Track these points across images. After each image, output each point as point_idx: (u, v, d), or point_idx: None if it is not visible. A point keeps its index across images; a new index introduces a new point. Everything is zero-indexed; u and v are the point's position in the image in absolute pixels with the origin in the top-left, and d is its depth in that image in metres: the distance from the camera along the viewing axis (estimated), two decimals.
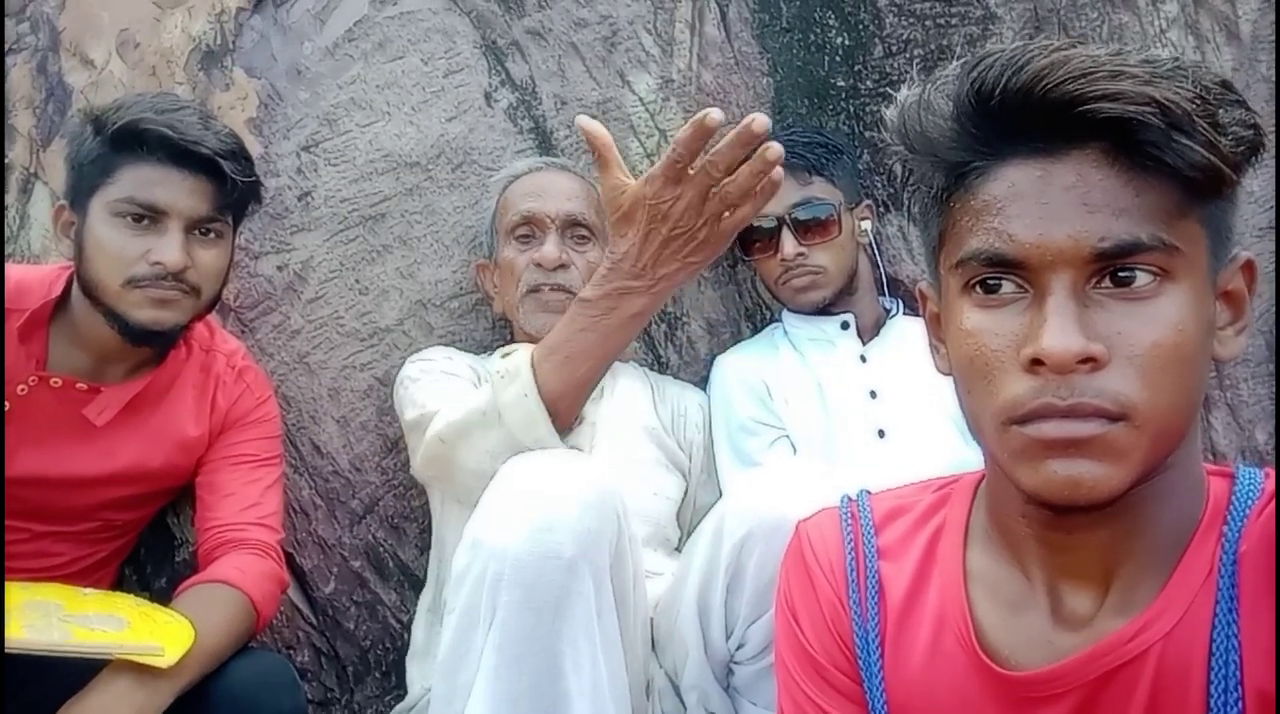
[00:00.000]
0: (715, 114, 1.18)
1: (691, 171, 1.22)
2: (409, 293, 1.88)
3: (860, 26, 1.96)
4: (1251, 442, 1.88)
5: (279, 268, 1.86)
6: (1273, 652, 0.72)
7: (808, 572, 0.94)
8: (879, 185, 1.95)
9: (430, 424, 1.49)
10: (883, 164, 1.92)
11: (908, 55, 1.95)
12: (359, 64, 1.90)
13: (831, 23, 1.97)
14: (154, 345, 1.53)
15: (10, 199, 1.89)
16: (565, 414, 1.36)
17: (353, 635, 1.85)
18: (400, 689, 1.76)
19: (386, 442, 1.84)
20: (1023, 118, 0.72)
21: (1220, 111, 0.70)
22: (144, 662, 1.25)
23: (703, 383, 1.90)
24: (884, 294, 1.92)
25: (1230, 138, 0.70)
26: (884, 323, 1.86)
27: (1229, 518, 0.78)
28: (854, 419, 1.75)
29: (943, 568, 0.88)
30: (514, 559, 1.13)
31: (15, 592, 1.35)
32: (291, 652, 1.84)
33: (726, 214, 1.24)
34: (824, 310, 1.81)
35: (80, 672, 1.25)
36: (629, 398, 1.74)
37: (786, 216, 1.75)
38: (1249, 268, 0.79)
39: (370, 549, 1.85)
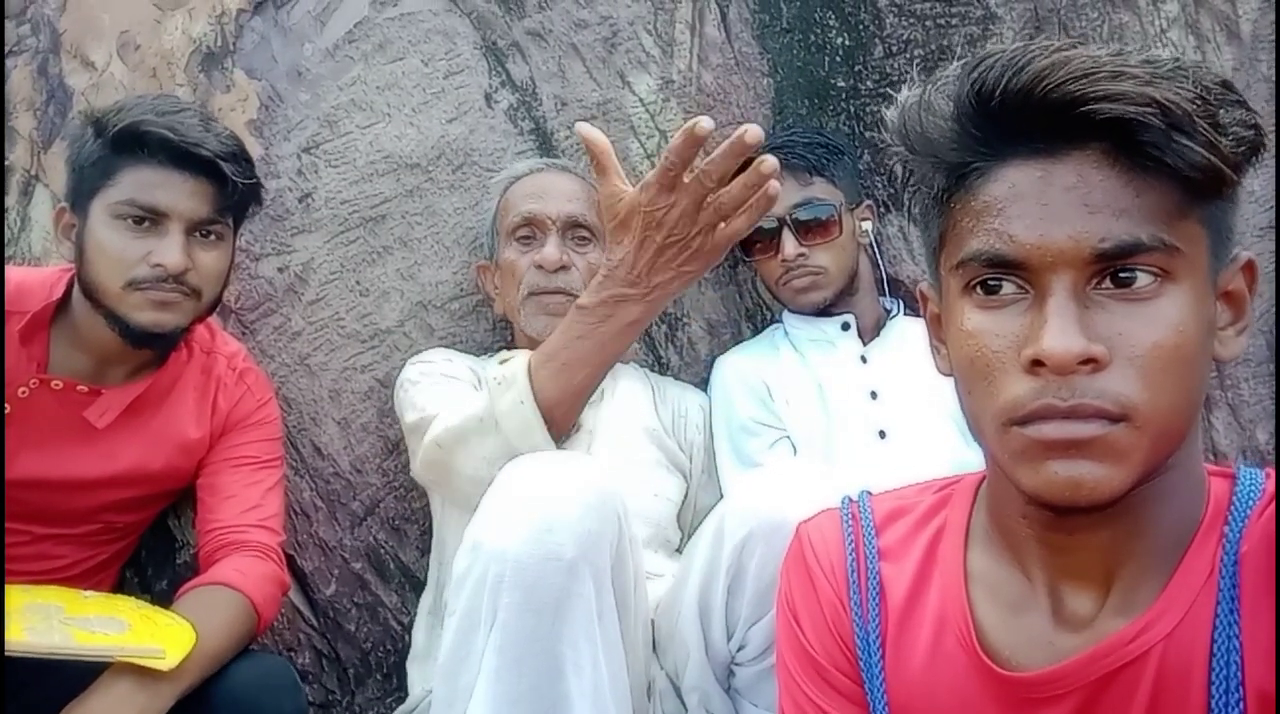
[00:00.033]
0: (705, 122, 1.18)
1: (686, 179, 1.22)
2: (410, 294, 1.88)
3: (860, 27, 1.96)
4: (1252, 442, 1.88)
5: (280, 269, 1.86)
6: (1273, 652, 0.72)
7: (809, 573, 0.94)
8: (879, 186, 1.95)
9: (429, 428, 1.49)
10: (883, 164, 1.92)
11: (908, 56, 1.95)
12: (359, 65, 1.90)
13: (832, 23, 1.97)
14: (155, 347, 1.53)
15: (11, 201, 1.89)
16: (562, 421, 1.36)
17: (354, 637, 1.85)
18: (401, 691, 1.76)
19: (387, 443, 1.84)
20: (1023, 118, 0.72)
21: (1221, 112, 0.70)
22: (145, 664, 1.25)
23: (703, 384, 1.90)
24: (884, 294, 1.92)
25: (1231, 138, 0.70)
26: (884, 323, 1.86)
27: (1230, 518, 0.78)
28: (854, 420, 1.75)
29: (943, 569, 0.88)
30: (514, 561, 1.13)
31: (16, 594, 1.35)
32: (292, 654, 1.84)
33: (722, 225, 1.24)
34: (824, 311, 1.81)
35: (81, 674, 1.25)
36: (629, 399, 1.74)
37: (787, 217, 1.75)
38: (1250, 268, 0.79)
39: (371, 551, 1.85)
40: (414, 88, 1.90)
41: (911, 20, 1.94)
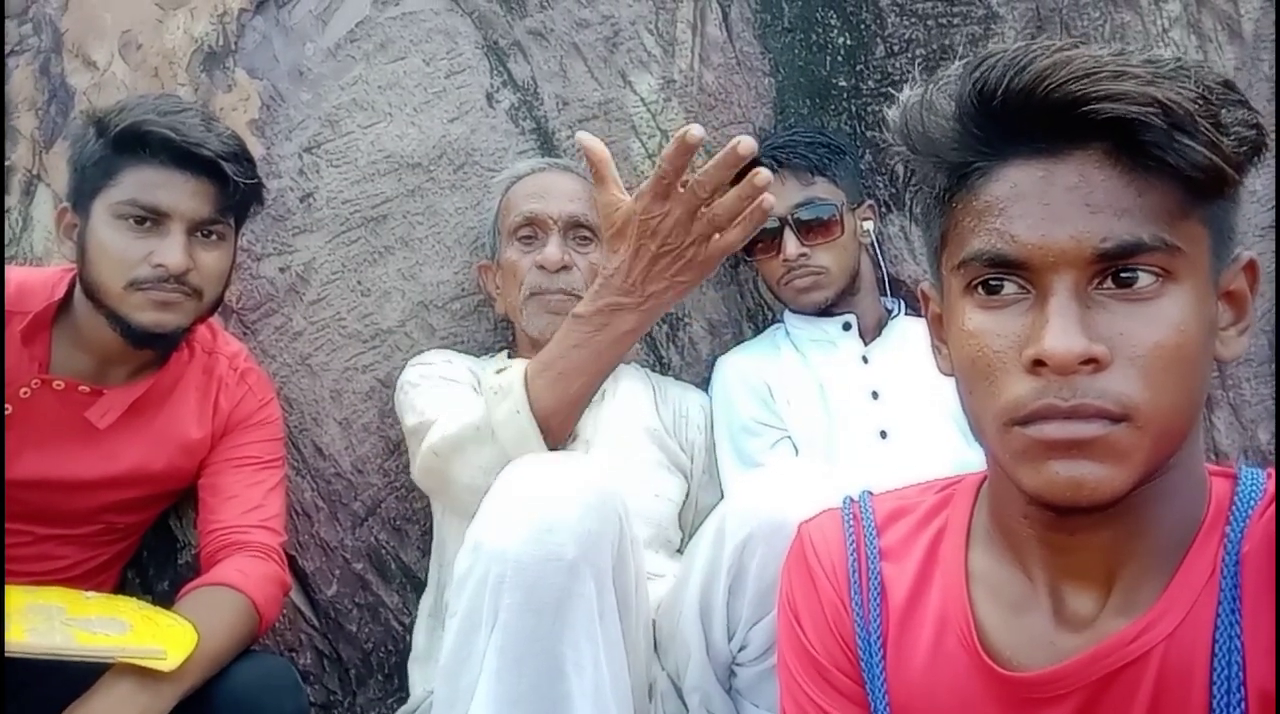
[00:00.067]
0: (695, 130, 1.19)
1: (681, 189, 1.22)
2: (411, 294, 1.88)
3: (862, 26, 1.96)
4: (1254, 442, 1.88)
5: (281, 269, 1.86)
6: (1275, 652, 0.72)
7: (810, 573, 0.94)
8: (881, 185, 1.95)
9: (427, 435, 1.49)
10: (885, 164, 1.92)
11: (910, 55, 1.95)
12: (361, 65, 1.90)
13: (833, 23, 1.97)
14: (156, 348, 1.53)
15: (13, 201, 1.89)
16: (558, 430, 1.37)
17: (355, 638, 1.85)
18: (402, 692, 1.76)
19: (389, 444, 1.84)
20: (1025, 118, 0.72)
21: (1223, 111, 0.70)
22: (146, 665, 1.25)
23: (704, 384, 1.90)
24: (886, 294, 1.92)
25: (1233, 138, 0.70)
26: (886, 323, 1.86)
27: (1231, 518, 0.77)
28: (856, 420, 1.75)
29: (945, 569, 0.88)
30: (515, 561, 1.13)
31: (17, 595, 1.35)
32: (294, 654, 1.84)
33: (717, 237, 1.24)
34: (826, 311, 1.81)
35: (83, 675, 1.25)
36: (630, 399, 1.74)
37: (789, 217, 1.75)
38: (1251, 268, 0.79)
39: (372, 551, 1.85)
40: (415, 87, 1.90)
41: (913, 20, 1.94)
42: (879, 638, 0.88)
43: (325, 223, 1.87)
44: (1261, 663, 0.73)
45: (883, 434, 1.73)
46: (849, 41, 1.96)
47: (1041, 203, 0.72)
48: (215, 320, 1.68)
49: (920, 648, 0.87)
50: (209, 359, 1.64)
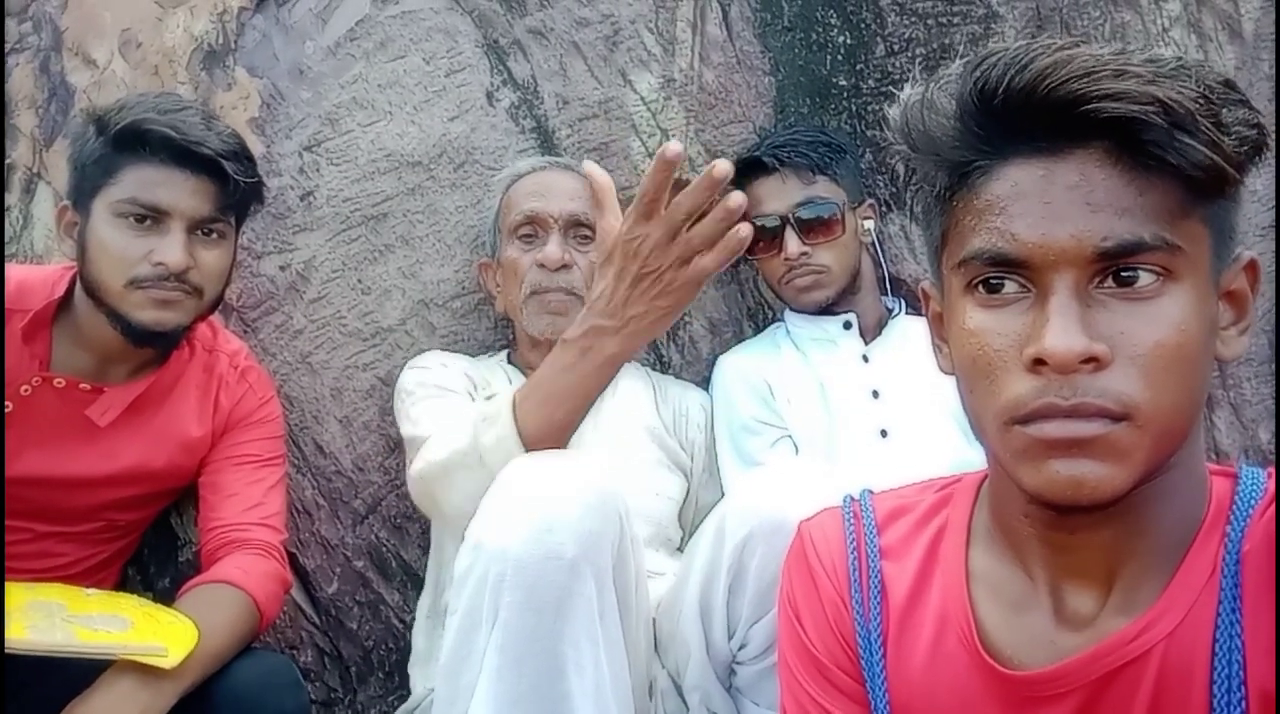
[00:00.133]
0: (673, 146, 1.18)
1: (664, 210, 1.22)
2: (411, 292, 1.88)
3: (862, 25, 1.96)
4: (1255, 441, 1.88)
5: (281, 268, 1.86)
6: (1275, 651, 0.72)
7: (810, 571, 0.94)
8: (881, 184, 1.95)
9: (417, 455, 1.49)
10: (885, 163, 1.92)
11: (910, 54, 1.95)
12: (361, 63, 1.90)
13: (833, 21, 1.97)
14: (157, 346, 1.53)
15: (13, 199, 1.89)
16: None
17: (356, 635, 1.85)
18: (403, 689, 1.76)
19: (389, 442, 1.84)
20: (1026, 117, 0.72)
21: (1223, 111, 0.70)
22: (147, 662, 1.25)
23: (705, 382, 1.90)
24: (886, 293, 1.92)
25: (1233, 137, 0.70)
26: (886, 322, 1.86)
27: (1232, 518, 0.77)
28: (856, 419, 1.75)
29: (945, 568, 0.88)
30: (515, 560, 1.13)
31: (18, 592, 1.35)
32: (295, 652, 1.84)
33: (698, 260, 1.23)
34: (826, 310, 1.81)
35: (84, 672, 1.25)
36: (630, 398, 1.74)
37: (790, 215, 1.75)
38: (1252, 267, 0.79)
39: (373, 549, 1.85)
40: (415, 86, 1.90)
41: (913, 19, 1.94)
42: (879, 636, 0.89)
43: (325, 221, 1.87)
44: (1262, 662, 0.73)
45: (883, 433, 1.74)
46: (849, 40, 1.96)
47: (1042, 202, 0.72)
48: (216, 318, 1.68)
49: (920, 647, 0.87)
50: (209, 357, 1.64)
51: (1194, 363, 0.72)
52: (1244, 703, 0.73)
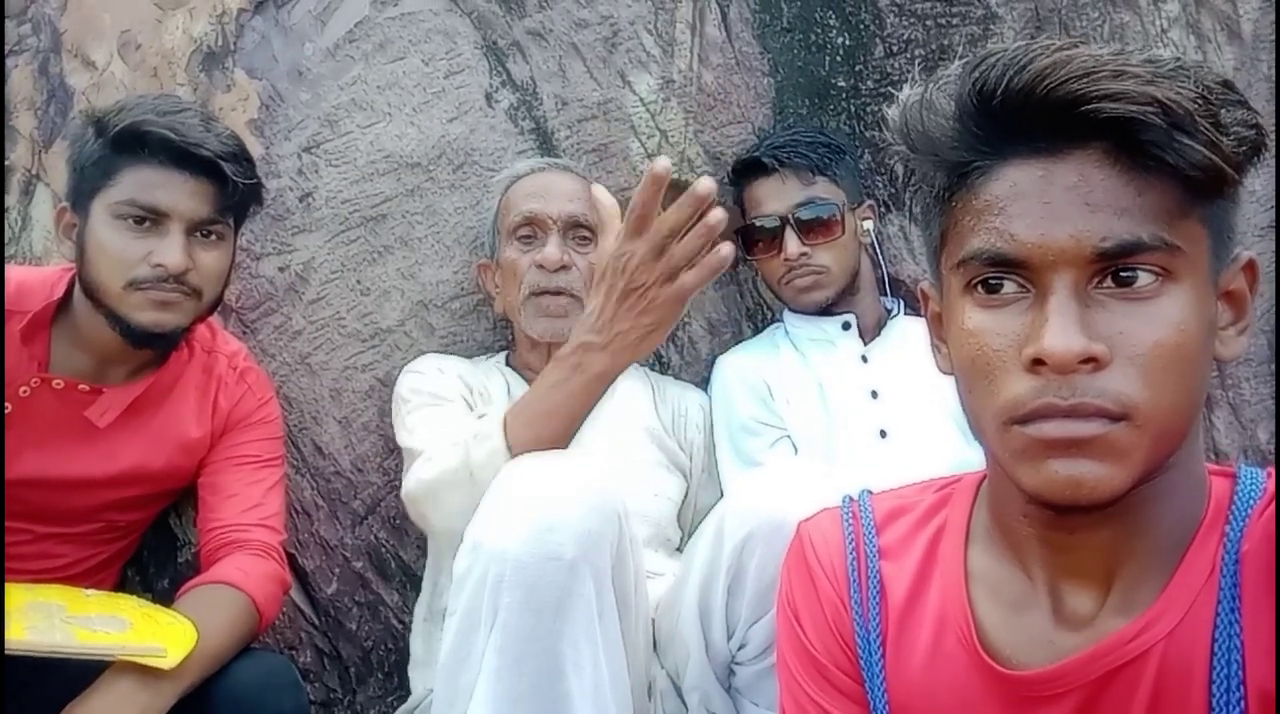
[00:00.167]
0: (661, 162, 1.20)
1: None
2: (410, 294, 1.88)
3: (861, 26, 1.96)
4: (1254, 441, 1.88)
5: (280, 269, 1.86)
6: (1274, 651, 0.72)
7: (809, 572, 0.94)
8: (880, 185, 1.95)
9: (409, 471, 1.50)
10: (884, 164, 1.92)
11: (909, 55, 1.95)
12: (360, 65, 1.90)
13: (832, 23, 1.97)
14: (156, 347, 1.53)
15: (12, 201, 1.89)
16: None
17: (355, 636, 1.85)
18: (402, 690, 1.76)
19: (388, 442, 1.84)
20: (1025, 117, 0.72)
21: (1222, 111, 0.70)
22: (146, 663, 1.25)
23: (704, 383, 1.90)
24: (885, 294, 1.92)
25: (1232, 138, 0.70)
26: (885, 323, 1.86)
27: (1231, 518, 0.78)
28: (855, 419, 1.75)
29: (944, 568, 0.88)
30: (515, 561, 1.13)
31: (18, 593, 1.35)
32: (294, 652, 1.84)
33: (682, 276, 1.23)
34: (826, 310, 1.81)
35: (83, 673, 1.25)
36: (629, 399, 1.74)
37: (790, 216, 1.75)
38: (1251, 267, 0.79)
39: (372, 550, 1.85)
40: (414, 87, 1.90)
41: (912, 20, 1.94)
42: (878, 637, 0.89)
43: (324, 222, 1.87)
44: (1261, 662, 0.73)
45: (882, 433, 1.74)
46: (848, 41, 1.97)
47: (1041, 202, 0.72)
48: (215, 320, 1.68)
49: (920, 647, 0.87)
50: (208, 358, 1.64)
51: (1193, 363, 0.72)
52: (1243, 703, 0.73)
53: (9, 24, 1.90)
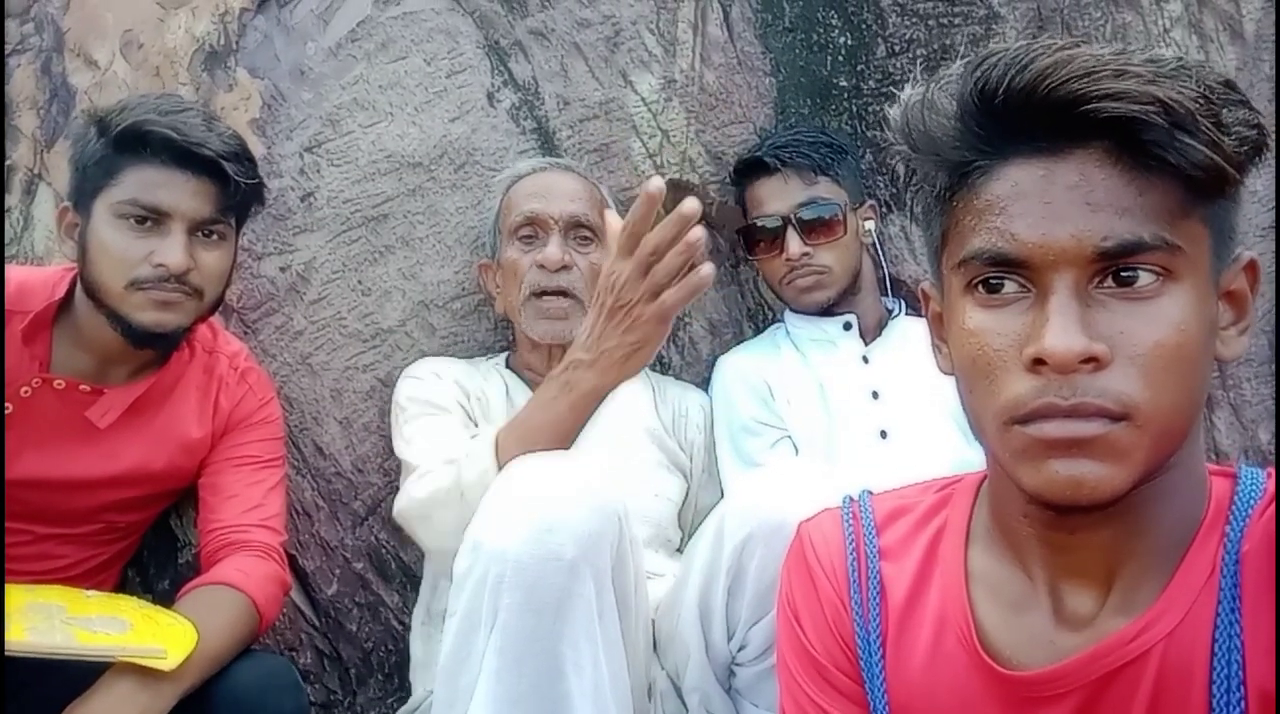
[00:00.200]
0: (654, 182, 1.21)
1: None
2: (411, 294, 1.87)
3: (863, 26, 1.96)
4: (1254, 441, 1.88)
5: (281, 269, 1.86)
6: (1274, 651, 0.72)
7: (809, 572, 0.94)
8: (881, 185, 1.95)
9: (401, 489, 1.51)
10: (885, 164, 1.92)
11: (910, 55, 1.95)
12: (362, 64, 1.90)
13: (834, 22, 1.97)
14: (157, 347, 1.53)
15: (14, 200, 1.89)
16: None
17: (355, 637, 1.85)
18: (402, 691, 1.77)
19: (389, 443, 1.83)
20: (1026, 117, 0.72)
21: (1224, 111, 0.70)
22: (146, 664, 1.25)
23: (704, 383, 1.90)
24: (886, 294, 1.92)
25: (1234, 137, 0.70)
26: (886, 323, 1.86)
27: (1231, 518, 0.77)
28: (856, 420, 1.75)
29: (944, 568, 0.88)
30: (515, 561, 1.13)
31: (18, 594, 1.35)
32: (294, 654, 1.84)
33: (665, 294, 1.24)
34: (827, 311, 1.81)
35: (83, 674, 1.25)
36: (630, 399, 1.74)
37: (792, 216, 1.75)
38: (1252, 267, 0.79)
39: (373, 551, 1.85)
40: (416, 87, 1.90)
41: (914, 19, 1.94)
42: (878, 637, 0.88)
43: (326, 222, 1.87)
44: (1261, 662, 0.73)
45: (883, 434, 1.74)
46: (850, 41, 1.96)
47: (1042, 201, 0.72)
48: (216, 320, 1.68)
49: (920, 647, 0.87)
50: (209, 358, 1.64)
51: (1193, 363, 0.72)
52: (1243, 703, 0.72)
53: (11, 23, 1.90)
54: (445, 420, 1.61)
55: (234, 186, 1.49)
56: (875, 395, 1.76)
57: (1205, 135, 0.69)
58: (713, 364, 1.90)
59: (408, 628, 1.78)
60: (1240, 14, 1.91)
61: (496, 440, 1.36)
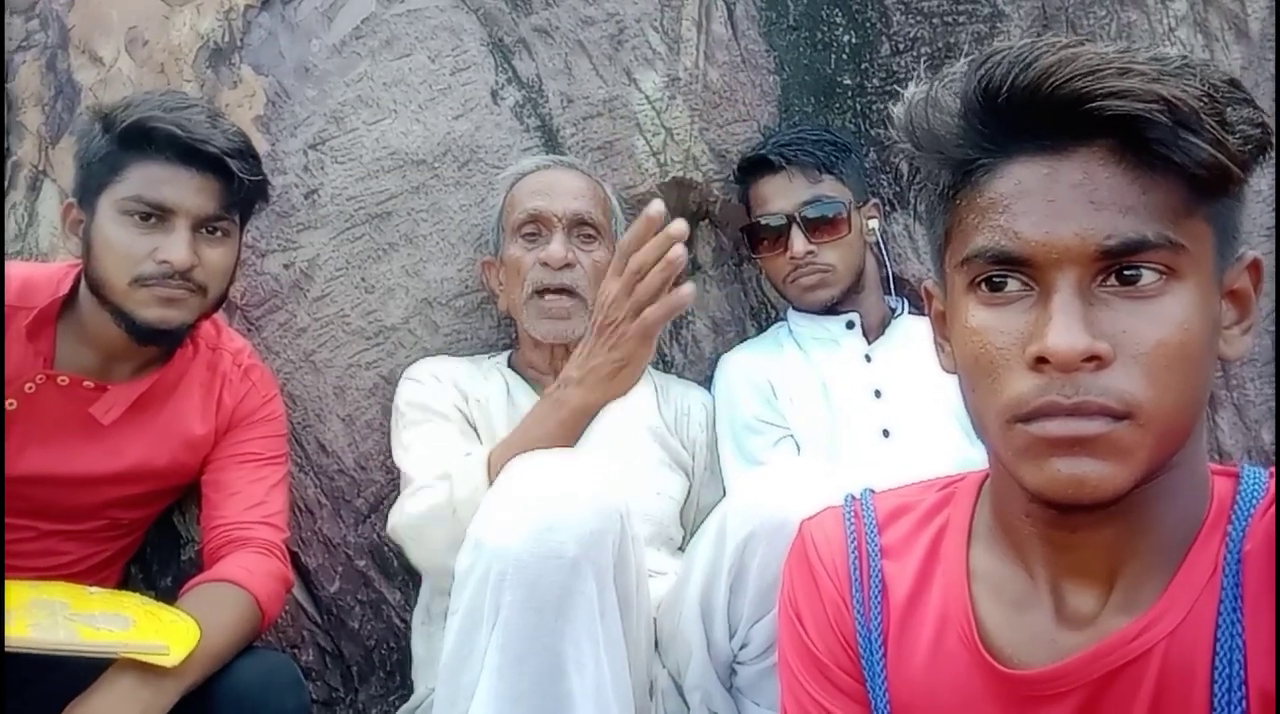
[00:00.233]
0: (656, 205, 1.25)
1: None
2: (415, 291, 1.87)
3: (867, 24, 1.96)
4: (1258, 441, 1.88)
5: (285, 266, 1.86)
6: (1276, 651, 0.72)
7: (811, 571, 0.94)
8: (885, 184, 1.94)
9: (395, 505, 1.53)
10: (889, 162, 1.92)
11: (915, 53, 1.94)
12: (366, 61, 1.90)
13: (838, 20, 1.96)
14: (161, 344, 1.54)
15: (19, 196, 1.90)
16: None
17: (357, 635, 1.85)
18: (404, 689, 1.77)
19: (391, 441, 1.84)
20: (1030, 115, 0.72)
21: (1228, 110, 0.69)
22: (149, 661, 1.25)
23: (707, 382, 1.90)
24: (890, 293, 1.91)
25: (1238, 136, 0.69)
26: (889, 322, 1.86)
27: (1233, 517, 0.77)
28: (858, 418, 1.74)
29: (946, 567, 0.87)
30: (516, 559, 1.13)
31: (21, 590, 1.35)
32: (296, 651, 1.84)
33: (646, 312, 1.27)
34: (830, 309, 1.81)
35: (86, 670, 1.25)
36: (632, 397, 1.73)
37: (796, 214, 1.75)
38: (1256, 267, 0.79)
39: (375, 548, 1.85)
40: (420, 84, 1.90)
41: (918, 18, 1.94)
42: (880, 636, 0.88)
43: (330, 219, 1.87)
44: (1263, 662, 0.72)
45: (885, 433, 1.73)
46: (854, 39, 1.96)
47: (1046, 200, 0.72)
48: (220, 316, 1.69)
49: (921, 646, 0.87)
50: (213, 355, 1.65)
51: (1196, 362, 0.72)
52: (1245, 702, 0.72)
53: (17, 19, 1.91)
54: (442, 427, 1.62)
55: (238, 183, 1.49)
56: (878, 394, 1.76)
57: (1209, 134, 0.68)
58: (715, 362, 1.90)
59: (409, 625, 1.78)
60: (1245, 13, 1.91)
61: (489, 459, 1.38)
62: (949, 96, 0.76)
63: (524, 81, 1.93)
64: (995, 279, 0.75)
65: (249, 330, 1.83)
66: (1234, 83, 0.72)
